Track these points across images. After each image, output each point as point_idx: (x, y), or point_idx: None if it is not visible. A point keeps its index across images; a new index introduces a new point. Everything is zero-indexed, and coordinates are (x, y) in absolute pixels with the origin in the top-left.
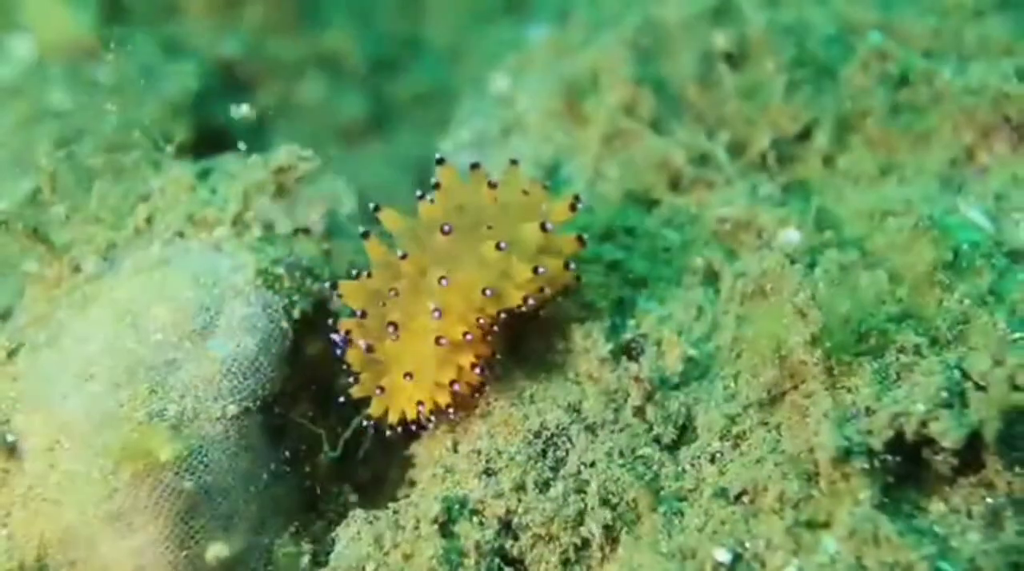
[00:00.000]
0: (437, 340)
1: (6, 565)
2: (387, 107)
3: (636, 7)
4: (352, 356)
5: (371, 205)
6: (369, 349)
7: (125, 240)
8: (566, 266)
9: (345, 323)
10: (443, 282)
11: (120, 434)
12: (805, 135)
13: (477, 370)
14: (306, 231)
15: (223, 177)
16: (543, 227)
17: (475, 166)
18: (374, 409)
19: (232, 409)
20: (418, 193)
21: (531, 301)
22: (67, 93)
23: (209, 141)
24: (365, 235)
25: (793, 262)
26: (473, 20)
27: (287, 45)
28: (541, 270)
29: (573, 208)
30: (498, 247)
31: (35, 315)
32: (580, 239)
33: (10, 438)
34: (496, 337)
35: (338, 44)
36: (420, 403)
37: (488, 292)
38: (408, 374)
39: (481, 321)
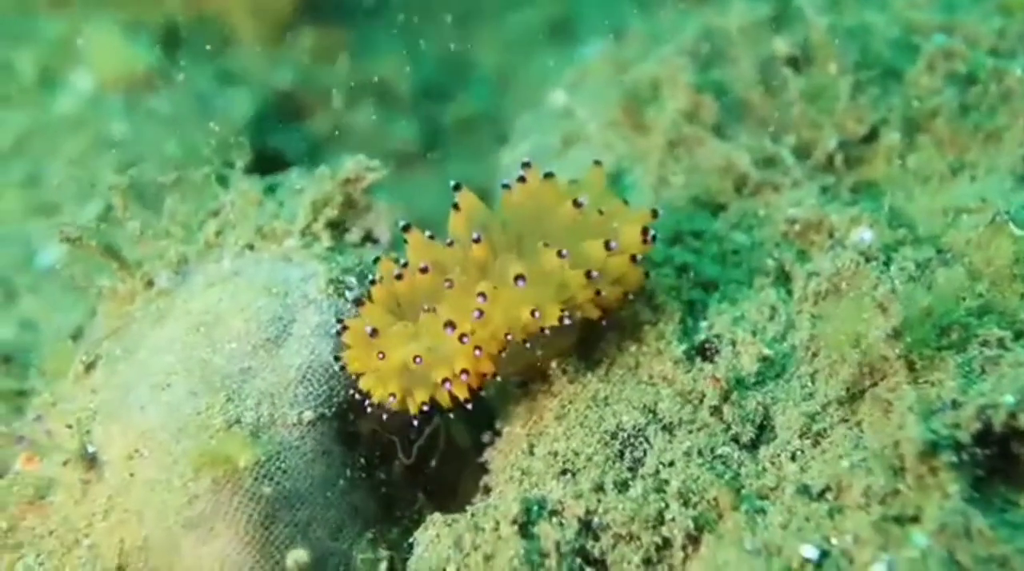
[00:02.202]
0: (461, 337)
1: None
2: (437, 133)
3: (694, 19)
4: (354, 330)
5: (400, 222)
6: (373, 333)
7: (196, 254)
8: (632, 259)
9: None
10: (520, 282)
11: (198, 442)
12: (872, 137)
13: (465, 376)
14: (374, 241)
15: (290, 191)
16: (607, 246)
17: (550, 175)
18: (365, 383)
19: (308, 415)
20: (503, 181)
21: (567, 320)
22: (127, 123)
23: (264, 169)
24: (406, 229)
25: (868, 260)
26: (520, 46)
27: (338, 73)
28: (595, 275)
29: (646, 238)
30: (560, 254)
31: (110, 329)
32: (644, 234)
33: (90, 449)
34: (500, 360)
35: (388, 72)
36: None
37: (536, 314)
38: (418, 357)
39: (509, 338)
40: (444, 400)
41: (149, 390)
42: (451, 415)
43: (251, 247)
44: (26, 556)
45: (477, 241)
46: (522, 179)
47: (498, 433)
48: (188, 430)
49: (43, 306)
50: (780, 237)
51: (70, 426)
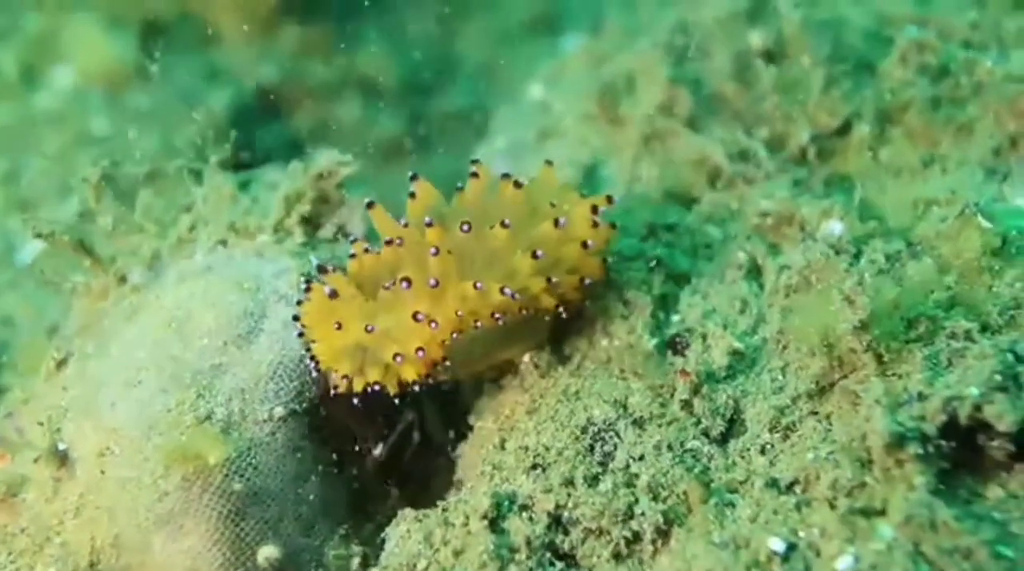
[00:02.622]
0: (414, 315)
1: None
2: (422, 126)
3: (670, 12)
4: (317, 295)
5: (366, 201)
6: (333, 294)
7: (169, 250)
8: (584, 245)
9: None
10: (478, 286)
11: (169, 438)
12: (845, 130)
13: (421, 354)
14: (348, 236)
15: (263, 186)
16: (556, 223)
17: (506, 176)
18: (319, 350)
19: (279, 411)
20: (459, 185)
21: (511, 295)
22: (107, 119)
23: (248, 165)
24: (371, 205)
25: (838, 253)
26: (505, 38)
27: (322, 68)
28: (540, 254)
29: (595, 216)
30: (503, 225)
31: (82, 325)
32: (594, 211)
33: (61, 446)
34: (448, 347)
35: (372, 66)
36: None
37: (479, 285)
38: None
39: (460, 314)
40: (392, 384)
41: (120, 387)
42: (425, 410)
43: (224, 243)
44: None
45: (429, 225)
46: (474, 175)
47: (470, 428)
48: (159, 427)
49: (22, 303)
50: (752, 230)
51: (41, 423)
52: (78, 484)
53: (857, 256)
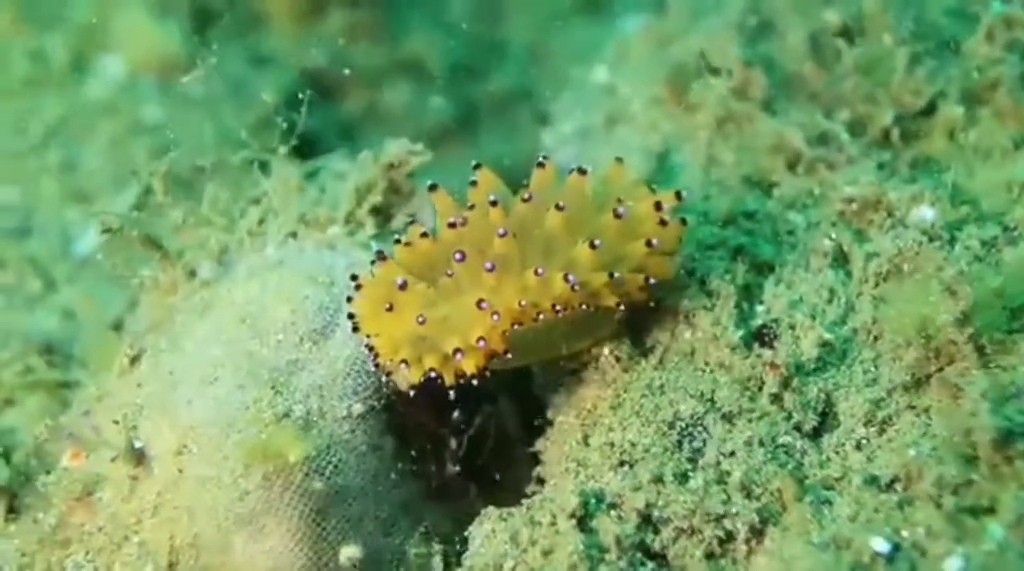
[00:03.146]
0: (479, 303)
1: None
2: (471, 110)
3: None
4: (370, 289)
5: (428, 183)
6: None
7: (238, 243)
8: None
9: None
10: (540, 272)
11: (248, 436)
12: (930, 110)
13: (483, 344)
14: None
15: (331, 176)
16: (616, 215)
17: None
18: (379, 343)
19: (357, 408)
20: (525, 182)
21: (574, 285)
22: (160, 107)
23: (299, 151)
24: (433, 188)
25: (931, 240)
26: (552, 19)
27: (370, 52)
28: (598, 243)
29: (660, 211)
30: (558, 207)
31: (154, 321)
32: (658, 207)
33: (137, 444)
34: (508, 339)
35: (420, 49)
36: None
37: (540, 271)
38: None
39: (523, 305)
40: (450, 374)
41: (196, 384)
42: (500, 404)
43: (294, 235)
44: (75, 553)
45: (494, 204)
46: (540, 166)
47: (549, 422)
48: (237, 425)
49: (82, 295)
50: (836, 216)
51: (117, 421)
52: (156, 483)
53: (951, 243)
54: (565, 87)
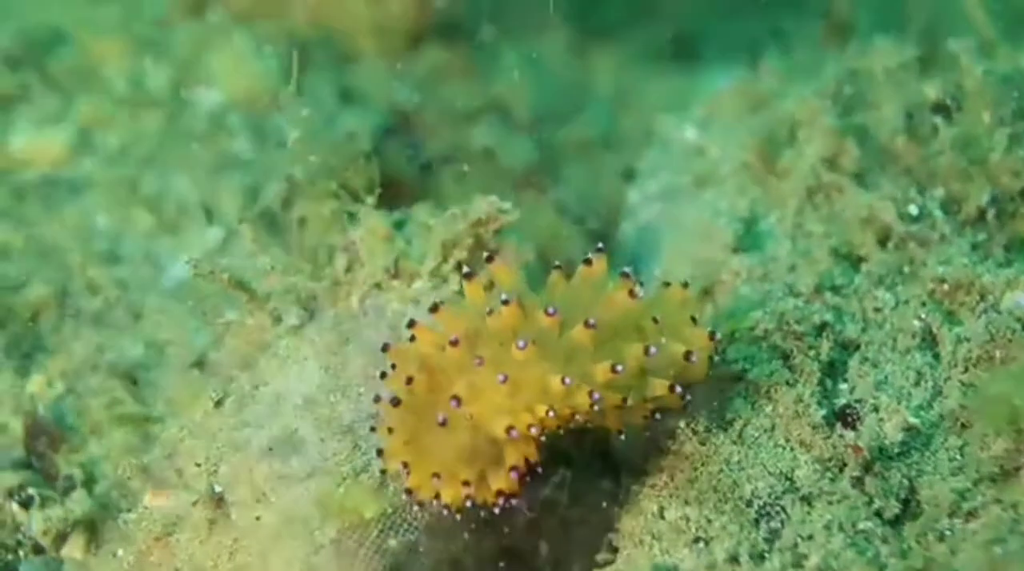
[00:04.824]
0: (508, 429)
1: None
2: (554, 155)
3: (834, 59)
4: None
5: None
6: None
7: (324, 291)
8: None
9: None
10: (567, 381)
11: (325, 489)
12: None
13: (515, 475)
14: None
15: (418, 228)
16: (647, 352)
17: (625, 276)
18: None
19: None
20: (555, 263)
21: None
22: (250, 142)
23: (385, 187)
24: (468, 276)
25: None
26: (640, 67)
27: (458, 92)
28: (620, 369)
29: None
30: (587, 325)
31: (239, 363)
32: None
33: (217, 488)
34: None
35: (506, 91)
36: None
37: (567, 380)
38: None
39: (552, 413)
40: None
41: (277, 432)
42: (574, 466)
43: (379, 286)
44: None
45: (506, 303)
46: (587, 262)
47: (624, 488)
48: (315, 476)
49: (168, 328)
50: (927, 296)
51: (199, 464)
52: (233, 528)
53: None
54: (650, 139)
